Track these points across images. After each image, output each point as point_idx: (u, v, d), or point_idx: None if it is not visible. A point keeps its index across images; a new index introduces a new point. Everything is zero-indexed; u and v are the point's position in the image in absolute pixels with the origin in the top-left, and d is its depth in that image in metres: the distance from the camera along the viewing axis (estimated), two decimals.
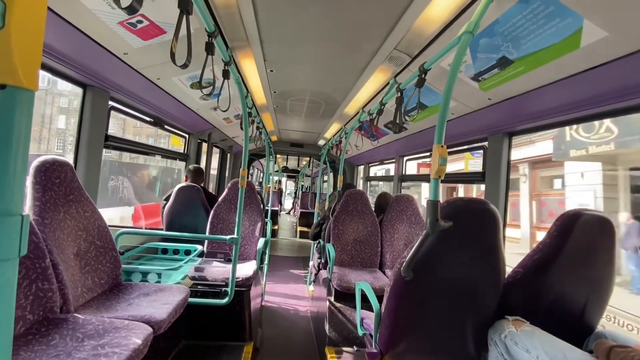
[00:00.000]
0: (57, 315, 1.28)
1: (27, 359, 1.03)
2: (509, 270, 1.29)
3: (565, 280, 1.22)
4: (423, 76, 1.49)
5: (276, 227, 8.05)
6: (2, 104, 0.42)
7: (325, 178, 8.70)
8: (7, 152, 0.44)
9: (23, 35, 0.42)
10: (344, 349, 2.35)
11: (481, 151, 2.32)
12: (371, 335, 1.45)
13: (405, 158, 3.94)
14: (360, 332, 1.62)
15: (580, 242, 1.19)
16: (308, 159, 8.74)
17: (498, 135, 2.08)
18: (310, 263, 4.31)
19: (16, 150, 0.44)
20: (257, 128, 3.30)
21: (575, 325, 1.27)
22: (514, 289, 1.25)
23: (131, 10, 0.84)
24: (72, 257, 1.50)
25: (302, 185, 12.81)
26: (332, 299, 2.45)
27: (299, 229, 8.39)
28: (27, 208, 1.35)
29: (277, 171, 8.96)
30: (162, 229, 2.82)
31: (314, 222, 3.83)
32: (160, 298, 1.61)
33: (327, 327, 2.40)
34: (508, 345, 1.14)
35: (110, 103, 2.08)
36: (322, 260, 3.02)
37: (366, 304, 1.55)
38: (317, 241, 3.47)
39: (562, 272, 1.20)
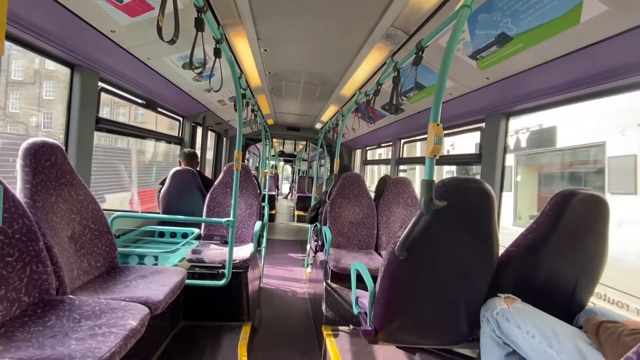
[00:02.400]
0: (54, 297, 1.28)
1: (24, 340, 1.03)
2: (502, 250, 1.30)
3: (558, 258, 1.23)
4: (420, 54, 1.46)
5: (274, 212, 8.08)
6: None
7: (323, 162, 8.67)
8: None
9: None
10: (340, 327, 2.40)
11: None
12: (366, 314, 1.48)
13: (402, 141, 3.91)
14: (355, 311, 1.65)
15: (573, 221, 1.19)
16: (305, 143, 8.68)
17: (496, 116, 2.06)
18: (308, 246, 4.35)
19: None
20: (252, 111, 3.24)
21: (566, 303, 1.29)
22: (507, 267, 1.27)
23: None
24: (66, 240, 1.50)
25: (299, 170, 12.80)
26: (328, 280, 2.49)
27: (296, 212, 8.43)
28: (17, 191, 1.33)
29: (273, 155, 8.91)
30: (158, 213, 2.82)
31: (311, 205, 3.84)
32: (157, 280, 1.62)
33: (324, 307, 2.44)
34: (499, 321, 1.16)
35: (100, 84, 2.03)
36: (319, 243, 3.05)
37: (361, 284, 1.57)
38: (314, 224, 3.48)
39: (555, 251, 1.21)
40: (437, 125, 1.02)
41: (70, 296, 1.32)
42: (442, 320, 1.32)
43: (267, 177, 5.08)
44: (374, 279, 1.42)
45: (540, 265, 1.24)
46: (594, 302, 1.44)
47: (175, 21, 1.02)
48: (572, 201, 1.18)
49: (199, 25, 1.26)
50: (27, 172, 1.37)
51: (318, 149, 5.22)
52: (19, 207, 1.23)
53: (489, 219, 1.18)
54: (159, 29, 0.99)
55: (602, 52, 1.21)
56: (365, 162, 5.48)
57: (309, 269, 3.97)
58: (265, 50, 2.31)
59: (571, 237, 1.22)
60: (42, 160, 1.44)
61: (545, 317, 1.10)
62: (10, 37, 1.45)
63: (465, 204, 1.15)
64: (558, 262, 1.24)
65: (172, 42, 1.05)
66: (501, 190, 2.07)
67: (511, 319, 1.13)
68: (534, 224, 1.25)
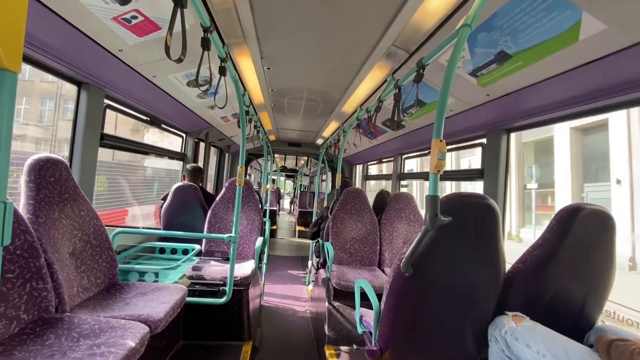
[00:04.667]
0: (53, 315, 1.26)
1: (22, 359, 1.01)
2: (508, 266, 1.28)
3: (565, 275, 1.21)
4: (421, 71, 1.48)
5: (275, 227, 8.03)
6: None
7: (324, 177, 8.68)
8: None
9: (4, 16, 0.40)
10: (343, 347, 2.34)
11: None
12: (371, 333, 1.44)
13: (404, 156, 3.93)
14: (359, 330, 1.61)
15: (580, 237, 1.18)
16: (306, 158, 8.73)
17: (496, 131, 2.07)
18: (309, 262, 4.29)
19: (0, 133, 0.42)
20: (255, 127, 3.28)
21: (575, 321, 1.26)
22: (513, 284, 1.24)
23: (122, 1, 0.83)
24: (67, 257, 1.48)
25: (301, 185, 12.80)
26: (331, 298, 2.44)
27: (297, 228, 8.37)
28: (21, 206, 1.33)
29: (275, 171, 8.94)
30: (159, 229, 2.80)
31: (312, 221, 3.82)
32: (158, 297, 1.60)
33: (326, 326, 2.39)
34: (508, 341, 1.13)
35: (106, 101, 2.06)
36: (321, 260, 3.01)
37: (365, 302, 1.54)
38: (316, 241, 3.45)
39: (561, 267, 1.20)
40: (440, 141, 1.02)
41: (69, 314, 1.30)
42: (449, 338, 1.29)
43: (269, 192, 5.07)
44: (379, 296, 1.40)
45: (548, 282, 1.22)
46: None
47: (182, 41, 1.05)
48: (577, 217, 1.17)
49: (205, 44, 1.30)
50: (31, 187, 1.37)
51: (319, 164, 5.24)
52: (21, 223, 1.23)
53: (495, 234, 1.17)
54: (167, 49, 1.01)
55: (602, 68, 1.23)
56: (366, 177, 5.49)
57: (310, 287, 3.91)
58: (269, 68, 2.35)
59: (578, 253, 1.20)
60: (47, 176, 1.44)
61: (555, 336, 1.07)
62: None
63: (470, 220, 1.15)
64: (566, 279, 1.22)
65: (179, 60, 1.07)
66: (504, 205, 2.06)
67: (520, 338, 1.10)
68: (539, 240, 1.24)
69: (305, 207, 8.36)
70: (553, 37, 1.20)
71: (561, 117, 1.67)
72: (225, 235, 2.08)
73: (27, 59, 1.52)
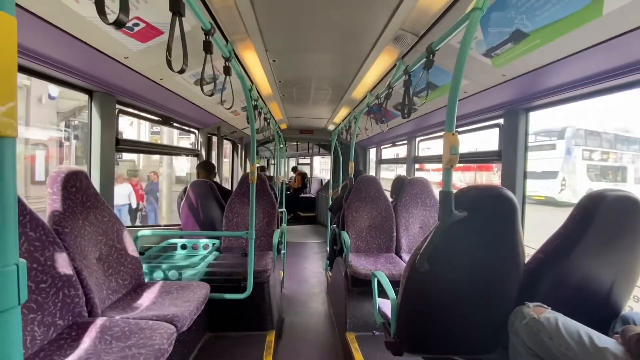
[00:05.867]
0: (86, 319, 1.34)
1: None
2: (528, 256, 1.25)
3: (590, 264, 1.17)
4: (431, 57, 1.42)
5: (291, 216, 8.15)
6: None
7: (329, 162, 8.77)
8: None
9: None
10: (364, 333, 2.39)
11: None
12: (389, 324, 1.46)
13: (418, 139, 3.84)
14: (378, 321, 1.63)
15: (605, 224, 1.13)
16: (318, 144, 8.76)
17: (514, 111, 1.98)
18: (327, 248, 4.35)
19: (3, 200, 0.43)
20: (265, 119, 3.27)
21: (600, 310, 1.23)
22: (534, 275, 1.22)
23: (118, 24, 0.82)
24: (94, 262, 1.56)
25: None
26: (349, 285, 2.47)
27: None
28: (47, 218, 1.39)
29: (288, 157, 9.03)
30: (179, 225, 2.89)
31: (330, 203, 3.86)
32: (182, 296, 1.66)
33: (346, 313, 2.44)
34: (529, 332, 1.11)
35: (118, 107, 2.09)
36: (338, 248, 3.04)
37: (384, 291, 1.55)
38: (332, 229, 3.48)
39: (585, 256, 1.16)
40: (453, 134, 0.98)
41: (102, 317, 1.37)
42: (468, 330, 1.29)
43: (284, 184, 5.11)
44: (396, 284, 1.40)
45: (571, 271, 1.19)
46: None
47: (183, 50, 1.04)
48: (602, 203, 1.12)
49: (208, 48, 1.28)
50: (54, 199, 1.43)
51: (332, 151, 5.19)
52: (49, 235, 1.29)
53: (512, 225, 1.14)
54: (169, 62, 1.01)
55: (627, 43, 1.14)
56: (380, 161, 5.41)
57: (329, 273, 3.97)
58: (274, 60, 2.32)
59: (604, 240, 1.16)
60: (68, 187, 1.50)
61: (578, 327, 1.05)
62: (31, 71, 1.52)
63: (486, 213, 1.12)
64: (590, 268, 1.18)
65: (182, 71, 1.06)
66: (524, 188, 1.99)
67: (542, 330, 1.08)
68: (562, 229, 1.20)
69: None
70: (574, 12, 1.11)
71: (583, 94, 1.58)
72: (243, 232, 2.12)
73: (38, 74, 1.56)
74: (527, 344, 1.12)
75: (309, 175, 10.53)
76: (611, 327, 1.21)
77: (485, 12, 1.04)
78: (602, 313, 1.23)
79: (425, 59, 1.43)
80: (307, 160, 12.70)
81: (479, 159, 2.60)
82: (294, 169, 11.00)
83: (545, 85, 1.64)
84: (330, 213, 3.52)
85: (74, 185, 1.53)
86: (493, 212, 1.12)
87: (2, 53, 0.41)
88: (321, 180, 10.21)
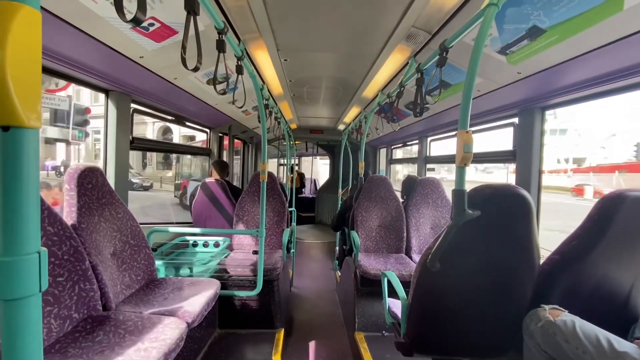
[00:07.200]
0: (100, 313, 1.37)
1: (75, 355, 1.11)
2: (543, 258, 1.22)
3: (608, 266, 1.14)
4: (444, 54, 1.40)
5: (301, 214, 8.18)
6: (7, 146, 0.43)
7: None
8: (19, 192, 0.44)
9: (21, 75, 0.41)
10: (374, 333, 2.37)
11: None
12: (399, 324, 1.44)
13: (429, 138, 3.79)
14: (388, 321, 1.61)
15: (625, 226, 1.09)
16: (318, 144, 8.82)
17: (529, 110, 1.94)
18: (336, 249, 4.34)
19: (27, 190, 0.45)
20: (276, 119, 3.29)
21: (618, 314, 1.19)
22: (550, 277, 1.19)
23: (136, 22, 0.84)
24: (109, 257, 1.59)
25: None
26: (359, 285, 2.46)
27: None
28: (64, 214, 1.43)
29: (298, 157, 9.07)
30: (191, 223, 2.94)
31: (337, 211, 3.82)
32: (193, 292, 1.69)
33: (355, 312, 2.43)
34: (544, 335, 1.09)
35: (133, 106, 2.14)
36: (347, 247, 3.03)
37: (394, 291, 1.53)
38: (342, 229, 3.47)
39: (604, 258, 1.12)
40: (467, 132, 0.97)
41: (115, 311, 1.40)
42: (481, 332, 1.26)
43: (294, 182, 5.12)
44: (406, 285, 1.38)
45: (588, 273, 1.15)
46: None
47: (197, 49, 1.05)
48: (622, 204, 1.08)
49: (221, 46, 1.29)
50: (71, 195, 1.47)
51: (342, 151, 5.18)
52: (66, 230, 1.33)
53: (527, 225, 1.12)
54: (184, 60, 1.02)
55: None
56: (391, 161, 5.37)
57: (338, 272, 3.96)
58: (286, 60, 2.32)
59: (622, 242, 1.12)
60: (85, 183, 1.54)
61: (596, 331, 1.02)
62: (51, 71, 1.57)
63: (500, 212, 1.09)
64: (608, 270, 1.15)
65: (195, 69, 1.08)
66: (539, 189, 1.94)
67: (558, 333, 1.05)
68: (579, 230, 1.16)
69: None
70: (594, 7, 1.08)
71: (601, 92, 1.53)
72: (254, 230, 2.14)
73: (58, 74, 1.60)
74: (542, 347, 1.10)
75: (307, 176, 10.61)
76: (630, 332, 1.17)
77: (501, 8, 1.02)
78: (621, 317, 1.19)
79: (438, 57, 1.41)
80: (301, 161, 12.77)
81: (492, 158, 2.55)
82: (292, 169, 11.07)
83: (562, 83, 1.59)
84: (337, 214, 3.50)
85: (90, 182, 1.57)
86: (507, 211, 1.10)
87: (27, 46, 0.42)
88: (314, 180, 10.35)
